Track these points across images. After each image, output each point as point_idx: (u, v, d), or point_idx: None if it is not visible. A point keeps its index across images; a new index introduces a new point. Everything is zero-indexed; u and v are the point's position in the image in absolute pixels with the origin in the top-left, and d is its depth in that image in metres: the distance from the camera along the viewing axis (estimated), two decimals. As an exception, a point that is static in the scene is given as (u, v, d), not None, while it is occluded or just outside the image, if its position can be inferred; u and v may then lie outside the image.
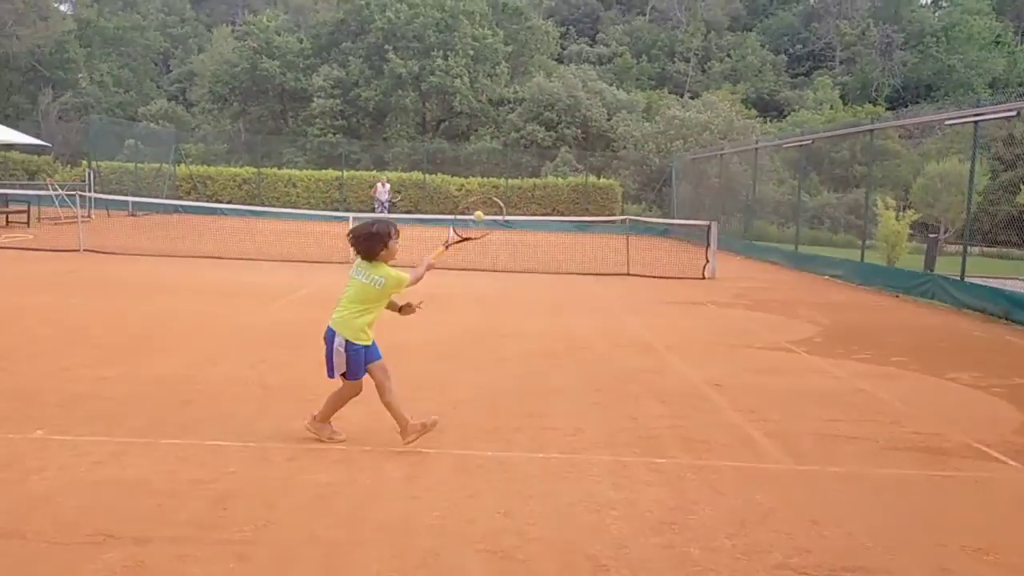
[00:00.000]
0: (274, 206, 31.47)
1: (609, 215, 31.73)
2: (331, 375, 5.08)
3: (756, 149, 25.53)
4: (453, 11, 41.23)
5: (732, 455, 5.29)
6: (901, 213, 18.39)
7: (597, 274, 16.13)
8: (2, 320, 8.82)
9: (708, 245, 16.02)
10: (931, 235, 18.60)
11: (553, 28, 50.73)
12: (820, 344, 9.56)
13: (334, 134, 41.29)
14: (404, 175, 33.07)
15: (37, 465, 4.62)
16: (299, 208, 31.01)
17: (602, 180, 33.39)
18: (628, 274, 16.07)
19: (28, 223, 21.21)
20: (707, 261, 15.95)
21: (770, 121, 49.17)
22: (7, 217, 20.71)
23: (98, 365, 6.98)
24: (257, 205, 31.27)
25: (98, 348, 7.67)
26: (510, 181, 33.17)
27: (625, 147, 38.21)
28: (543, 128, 39.53)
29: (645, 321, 10.64)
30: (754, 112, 48.98)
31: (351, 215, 18.88)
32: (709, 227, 16.06)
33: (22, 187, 25.46)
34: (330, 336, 5.01)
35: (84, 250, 16.10)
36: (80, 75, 44.40)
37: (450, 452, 5.09)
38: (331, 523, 3.98)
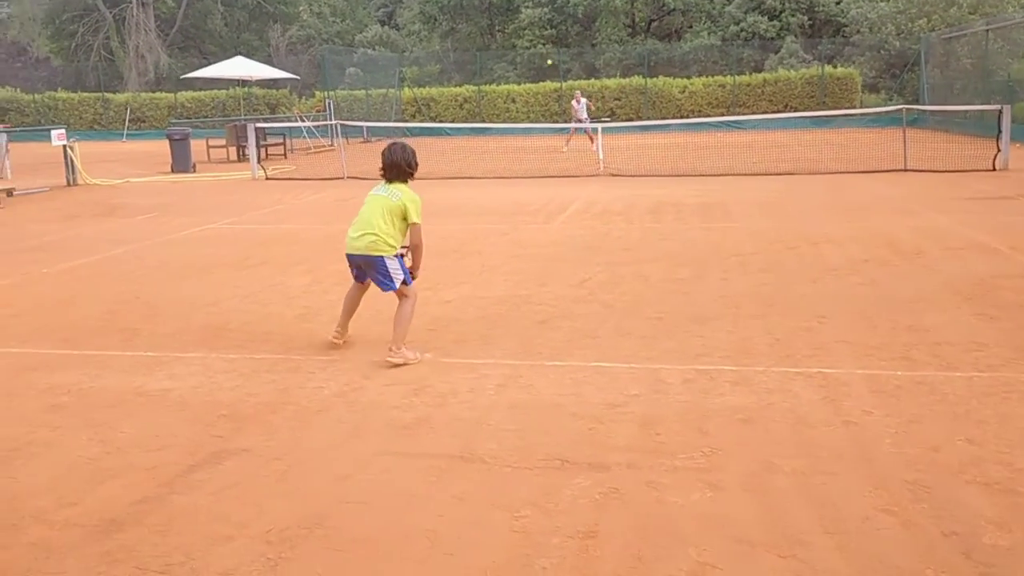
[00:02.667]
0: (495, 123, 31.76)
1: (849, 106, 29.48)
2: (392, 287, 5.20)
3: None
4: (662, -99, 39.04)
5: None
6: None
7: (867, 171, 14.95)
8: (329, 248, 9.30)
9: (1000, 133, 14.34)
10: None
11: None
12: None
13: (543, 44, 40.79)
14: (624, 81, 32.22)
15: (447, 388, 4.73)
16: (520, 123, 31.10)
17: (839, 69, 30.88)
18: (905, 169, 14.78)
19: (285, 155, 22.52)
20: (998, 151, 14.32)
21: (1021, -13, 43.45)
22: (266, 150, 22.05)
23: (435, 289, 7.16)
24: (479, 123, 31.68)
25: (425, 272, 7.88)
26: (737, 78, 31.44)
27: (859, 31, 35.11)
28: (766, 18, 36.98)
29: (960, 219, 9.66)
30: (1002, -21, 43.44)
31: (600, 127, 18.55)
32: (1001, 112, 14.37)
33: (272, 121, 27.00)
34: (375, 261, 5.14)
35: (348, 177, 16.86)
36: (301, 8, 46.36)
37: (854, 372, 4.74)
38: (780, 451, 3.78)
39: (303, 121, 24.17)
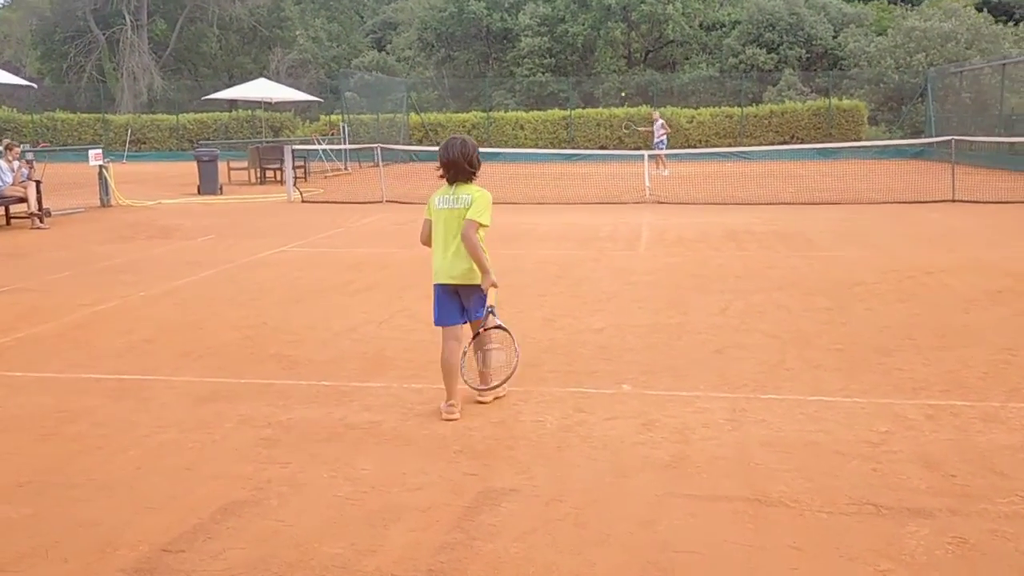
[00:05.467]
0: (502, 148, 31.57)
1: (855, 138, 29.81)
2: (480, 315, 4.73)
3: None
4: (661, -66, 39.46)
5: None
6: None
7: (916, 202, 14.94)
8: (430, 273, 8.99)
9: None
10: None
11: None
12: None
13: (542, 73, 40.89)
14: (631, 110, 32.28)
15: (676, 423, 4.46)
16: (527, 149, 30.97)
17: (845, 101, 31.25)
18: (953, 200, 14.80)
19: (305, 178, 22.13)
20: (1049, 183, 14.41)
21: (1005, 26, 44.48)
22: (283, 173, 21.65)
23: (574, 316, 6.90)
24: (487, 147, 31.45)
25: (544, 298, 7.63)
26: (744, 110, 31.67)
27: (857, 65, 35.66)
28: (764, 50, 37.43)
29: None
30: (990, 18, 44.43)
31: (653, 156, 18.40)
32: (1051, 145, 14.49)
33: (274, 143, 26.58)
34: (473, 289, 4.66)
35: (386, 201, 16.55)
36: (297, 32, 46.12)
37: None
38: (1101, 492, 3.55)
39: (320, 144, 23.82)
